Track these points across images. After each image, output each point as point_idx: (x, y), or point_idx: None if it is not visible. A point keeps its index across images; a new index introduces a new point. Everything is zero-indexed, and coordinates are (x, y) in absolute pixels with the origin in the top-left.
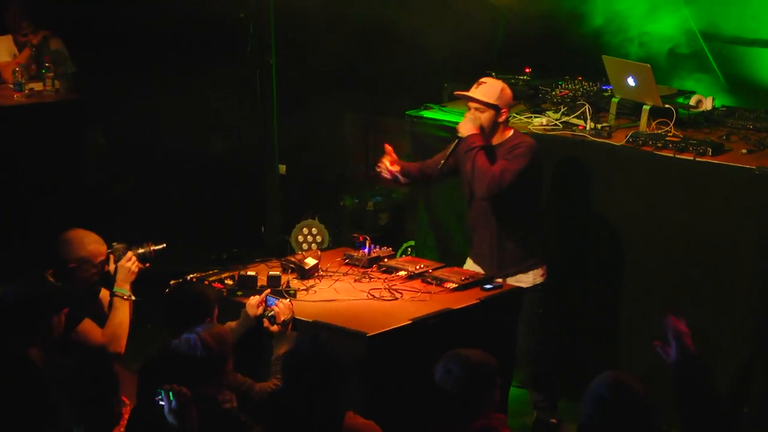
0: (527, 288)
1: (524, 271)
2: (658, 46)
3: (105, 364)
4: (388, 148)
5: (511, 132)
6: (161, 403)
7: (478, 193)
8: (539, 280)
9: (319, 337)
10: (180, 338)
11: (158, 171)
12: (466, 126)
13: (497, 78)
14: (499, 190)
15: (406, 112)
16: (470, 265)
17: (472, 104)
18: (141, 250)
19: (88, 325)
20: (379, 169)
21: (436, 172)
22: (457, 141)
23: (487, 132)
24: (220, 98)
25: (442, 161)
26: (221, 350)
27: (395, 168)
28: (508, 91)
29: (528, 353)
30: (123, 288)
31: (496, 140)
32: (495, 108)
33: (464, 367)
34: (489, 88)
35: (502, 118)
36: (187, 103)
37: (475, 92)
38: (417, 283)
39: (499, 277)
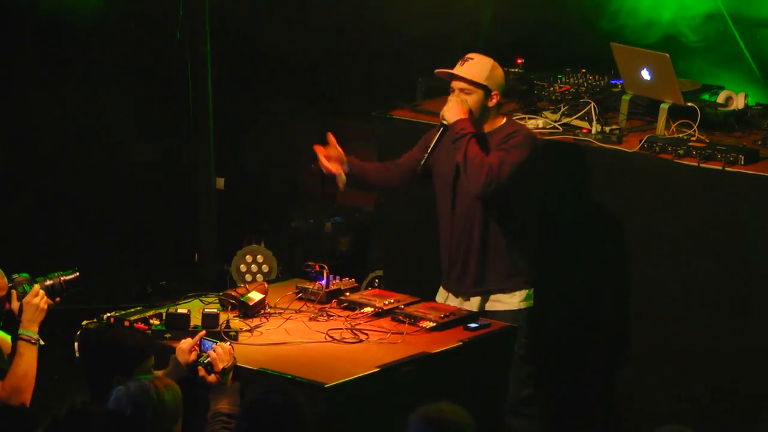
0: (509, 312)
1: (508, 291)
2: (669, 30)
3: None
4: (330, 138)
5: (504, 120)
6: None
7: (472, 188)
8: (525, 304)
9: (285, 390)
10: (123, 386)
11: (68, 185)
12: (453, 110)
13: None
14: (497, 186)
15: (372, 113)
16: (442, 297)
17: (456, 84)
18: (49, 282)
19: None
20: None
21: (414, 171)
22: (441, 130)
23: (476, 118)
24: (143, 97)
25: (426, 155)
26: (176, 409)
27: (335, 166)
28: (499, 71)
29: (510, 398)
30: (30, 330)
31: (486, 129)
32: (485, 89)
33: (426, 425)
34: (477, 66)
35: (492, 102)
36: (104, 104)
37: (460, 70)
38: (386, 322)
39: (476, 295)
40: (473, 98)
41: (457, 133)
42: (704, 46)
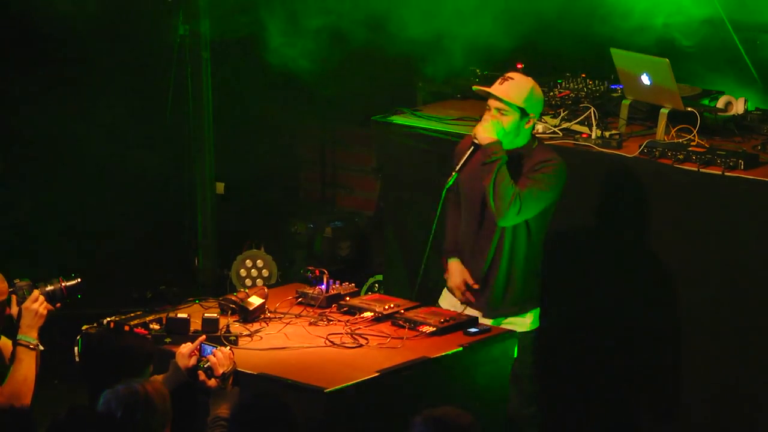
0: (521, 333)
1: (521, 312)
2: (669, 35)
3: None
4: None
5: (536, 144)
6: None
7: (497, 215)
8: (535, 325)
9: (277, 393)
10: (113, 390)
11: (68, 190)
12: (487, 131)
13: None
14: (521, 215)
15: (372, 118)
16: (447, 300)
17: (493, 103)
18: (50, 288)
19: None
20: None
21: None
22: (472, 149)
23: (509, 140)
24: (142, 102)
25: (454, 173)
26: (165, 411)
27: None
28: (538, 92)
29: (512, 416)
30: (29, 335)
31: (517, 151)
32: (521, 111)
33: (431, 426)
34: (516, 87)
35: (528, 125)
36: (102, 108)
37: (498, 89)
38: (386, 327)
39: (490, 318)
40: (509, 119)
41: (488, 157)
42: (701, 51)
